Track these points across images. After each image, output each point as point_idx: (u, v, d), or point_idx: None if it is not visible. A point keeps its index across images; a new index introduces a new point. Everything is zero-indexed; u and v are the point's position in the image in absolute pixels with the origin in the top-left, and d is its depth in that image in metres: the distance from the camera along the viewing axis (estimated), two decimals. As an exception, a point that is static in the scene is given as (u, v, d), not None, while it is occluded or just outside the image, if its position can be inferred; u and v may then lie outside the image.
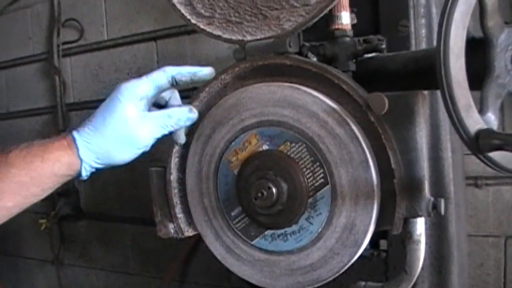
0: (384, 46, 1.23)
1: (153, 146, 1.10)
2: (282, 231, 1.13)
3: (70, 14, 3.06)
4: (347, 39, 1.19)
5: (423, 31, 1.46)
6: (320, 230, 1.09)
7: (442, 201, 1.08)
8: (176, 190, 1.24)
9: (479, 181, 2.13)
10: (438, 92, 1.02)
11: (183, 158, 1.24)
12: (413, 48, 1.43)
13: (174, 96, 1.15)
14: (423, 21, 1.46)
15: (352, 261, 1.09)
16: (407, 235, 1.08)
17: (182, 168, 1.25)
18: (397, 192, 1.03)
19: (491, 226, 2.16)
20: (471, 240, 2.12)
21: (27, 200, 1.00)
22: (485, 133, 0.89)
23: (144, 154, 1.10)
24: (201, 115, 1.19)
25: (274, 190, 1.08)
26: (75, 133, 1.03)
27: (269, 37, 1.17)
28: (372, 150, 1.05)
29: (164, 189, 1.24)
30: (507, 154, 0.90)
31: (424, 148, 1.06)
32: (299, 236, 1.11)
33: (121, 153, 1.04)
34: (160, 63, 2.79)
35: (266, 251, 1.16)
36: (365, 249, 1.34)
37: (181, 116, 1.09)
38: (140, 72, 2.85)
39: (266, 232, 1.15)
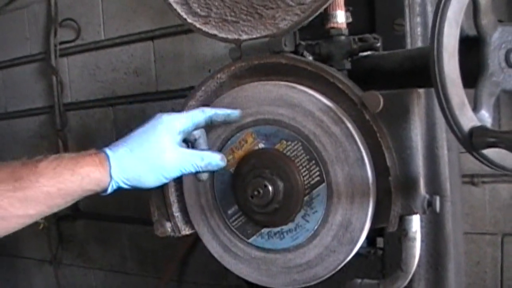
0: (379, 44, 1.23)
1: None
2: (279, 229, 1.13)
3: (67, 14, 3.06)
4: (343, 37, 1.20)
5: (419, 30, 1.47)
6: (316, 228, 1.10)
7: (438, 198, 1.08)
8: (173, 189, 1.25)
9: (475, 179, 2.13)
10: (433, 90, 1.02)
11: (180, 157, 1.25)
12: (408, 47, 1.44)
13: (203, 136, 1.17)
14: (418, 19, 1.47)
15: (348, 258, 1.10)
16: (402, 232, 1.08)
17: (178, 167, 1.25)
18: (393, 190, 1.04)
19: (487, 224, 2.16)
20: (468, 238, 2.12)
21: (49, 210, 1.01)
22: (479, 131, 0.89)
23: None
24: (198, 112, 1.19)
25: (270, 188, 1.09)
26: (108, 151, 1.05)
27: (264, 36, 1.17)
28: (367, 148, 1.06)
29: (161, 188, 1.25)
30: (501, 151, 0.90)
31: (420, 146, 1.06)
32: (296, 234, 1.12)
33: (150, 179, 1.07)
34: (158, 63, 2.79)
35: (263, 249, 1.17)
36: (362, 247, 1.35)
37: (212, 161, 1.11)
38: (137, 72, 2.86)
39: (262, 230, 1.16)
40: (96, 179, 1.02)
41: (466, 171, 2.08)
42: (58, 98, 3.15)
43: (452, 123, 0.90)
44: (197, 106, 1.22)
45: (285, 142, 1.10)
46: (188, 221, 1.27)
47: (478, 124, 0.91)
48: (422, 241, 1.13)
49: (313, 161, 1.08)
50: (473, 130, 0.90)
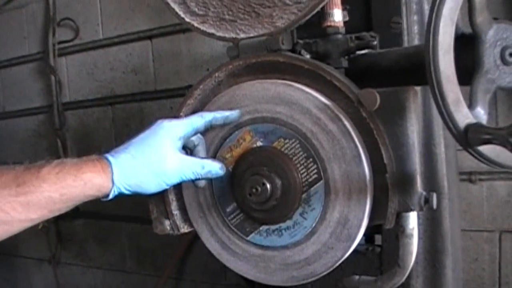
0: (376, 43, 1.24)
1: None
2: (277, 226, 1.14)
3: (65, 13, 3.07)
4: (340, 36, 1.21)
5: (416, 28, 1.47)
6: (314, 225, 1.10)
7: (434, 195, 1.09)
8: (171, 187, 1.25)
9: (473, 176, 2.14)
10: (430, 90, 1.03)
11: (178, 155, 1.25)
12: (405, 45, 1.44)
13: (202, 143, 1.19)
14: (415, 17, 1.47)
15: (346, 255, 1.10)
16: (400, 229, 1.09)
17: (177, 165, 1.25)
18: (390, 187, 1.05)
19: (485, 221, 2.17)
20: (466, 235, 2.13)
21: (50, 214, 1.02)
22: (474, 128, 0.90)
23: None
24: (196, 113, 1.20)
25: (268, 186, 1.09)
26: (110, 157, 1.06)
27: (262, 34, 1.18)
28: (364, 145, 1.06)
29: (162, 193, 1.25)
30: (496, 147, 0.91)
31: (416, 143, 1.07)
32: (294, 231, 1.12)
33: (151, 184, 1.08)
34: (156, 62, 2.80)
35: (261, 247, 1.17)
36: (360, 244, 1.35)
37: (212, 170, 1.12)
38: (135, 71, 2.86)
39: (261, 228, 1.16)
40: (98, 185, 1.03)
41: (463, 169, 2.09)
42: (56, 97, 3.16)
43: (448, 120, 0.91)
44: (196, 105, 1.23)
45: (282, 140, 1.11)
46: (187, 219, 1.28)
47: (474, 121, 0.92)
48: (419, 238, 1.13)
49: (311, 159, 1.08)
50: (469, 127, 0.91)
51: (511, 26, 0.99)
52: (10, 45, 3.36)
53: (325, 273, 1.13)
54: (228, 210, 1.20)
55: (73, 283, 3.46)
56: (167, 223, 1.27)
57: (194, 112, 1.21)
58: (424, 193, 1.08)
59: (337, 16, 1.21)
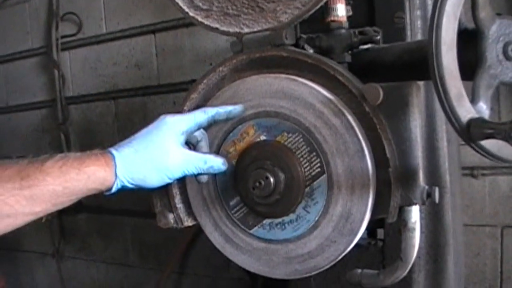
0: (379, 37, 1.24)
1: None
2: (280, 220, 1.15)
3: (69, 7, 3.07)
4: (343, 31, 1.21)
5: (419, 23, 1.48)
6: (317, 218, 1.11)
7: (437, 189, 1.10)
8: (175, 181, 1.26)
9: (475, 171, 2.14)
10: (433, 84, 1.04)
11: (182, 149, 1.26)
12: (408, 40, 1.44)
13: (204, 138, 1.19)
14: (418, 12, 1.47)
15: (349, 249, 1.11)
16: (402, 223, 1.09)
17: (181, 159, 1.26)
18: (392, 181, 1.05)
19: (487, 216, 2.17)
20: (468, 230, 2.14)
21: (54, 207, 1.03)
22: (477, 122, 0.91)
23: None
24: (199, 107, 1.21)
25: (271, 179, 1.10)
26: (113, 151, 1.07)
27: (266, 29, 1.18)
28: (367, 140, 1.07)
29: (164, 187, 1.26)
30: (498, 142, 0.92)
31: (419, 138, 1.08)
32: (297, 224, 1.13)
33: (154, 178, 1.09)
34: (159, 56, 2.80)
35: (264, 240, 1.18)
36: (362, 238, 1.36)
37: (214, 165, 1.13)
38: (138, 65, 2.86)
39: (264, 221, 1.17)
40: (102, 178, 1.04)
41: (466, 164, 2.09)
42: (59, 92, 3.16)
43: (450, 114, 0.91)
44: (199, 99, 1.24)
45: (286, 134, 1.11)
46: (190, 213, 1.28)
47: (476, 115, 0.93)
48: (421, 232, 1.14)
49: (314, 153, 1.09)
50: (471, 122, 0.91)
51: (514, 21, 1.00)
52: (13, 39, 3.37)
53: (327, 266, 1.14)
54: (231, 203, 1.20)
55: (77, 277, 3.47)
56: (171, 216, 1.28)
57: (198, 106, 1.22)
58: (426, 187, 1.09)
59: (341, 11, 1.21)
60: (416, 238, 1.10)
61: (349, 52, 1.22)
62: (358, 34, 1.21)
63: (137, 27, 2.82)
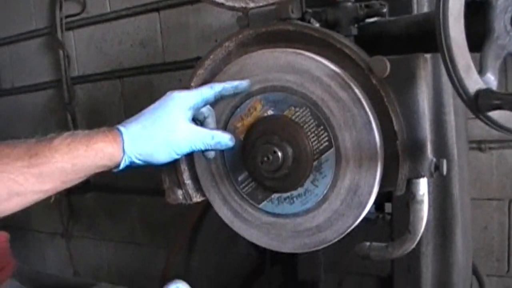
0: (385, 10, 1.23)
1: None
2: (288, 194, 1.15)
3: (72, -13, 3.06)
4: (349, 4, 1.20)
5: (425, -5, 1.46)
6: (325, 192, 1.11)
7: (445, 161, 1.10)
8: (183, 157, 1.26)
9: (482, 145, 2.14)
10: (440, 54, 1.03)
11: (190, 125, 1.26)
12: (415, 12, 1.43)
13: (212, 115, 1.19)
14: (424, -15, 1.46)
15: (357, 222, 1.11)
16: (410, 195, 1.10)
17: (188, 135, 1.26)
18: (400, 154, 1.05)
19: (494, 190, 2.18)
20: (475, 204, 2.14)
21: (63, 185, 1.04)
22: (484, 93, 0.90)
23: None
24: (206, 83, 1.20)
25: (279, 154, 1.10)
26: (121, 128, 1.07)
27: (271, 3, 1.18)
28: (375, 113, 1.06)
29: (172, 163, 1.26)
30: (506, 113, 0.92)
31: (426, 110, 1.07)
32: (305, 198, 1.13)
33: (161, 154, 1.09)
34: (164, 34, 2.79)
35: (273, 214, 1.18)
36: (370, 212, 1.36)
37: (222, 141, 1.13)
38: (143, 44, 2.86)
39: (272, 196, 1.17)
40: (110, 154, 1.04)
41: (473, 137, 2.09)
42: (65, 72, 3.17)
43: (458, 85, 0.91)
44: (206, 75, 1.23)
45: (293, 108, 1.11)
46: (199, 188, 1.29)
47: (484, 87, 0.92)
48: (429, 206, 1.14)
49: (322, 127, 1.09)
50: (479, 93, 0.91)
51: (522, -9, 0.99)
52: (17, 20, 3.36)
53: (336, 240, 1.14)
54: (240, 178, 1.21)
55: (86, 256, 3.50)
56: (179, 192, 1.28)
57: (204, 82, 1.22)
58: (434, 159, 1.09)
59: (347, -16, 1.21)
60: (424, 211, 1.10)
61: (356, 25, 1.21)
62: (364, 7, 1.20)
63: (141, 5, 2.81)
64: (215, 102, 1.17)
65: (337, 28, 1.19)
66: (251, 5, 1.20)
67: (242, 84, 1.15)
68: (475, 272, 1.76)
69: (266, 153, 1.11)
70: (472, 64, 0.92)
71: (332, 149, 1.09)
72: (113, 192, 3.15)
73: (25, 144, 1.00)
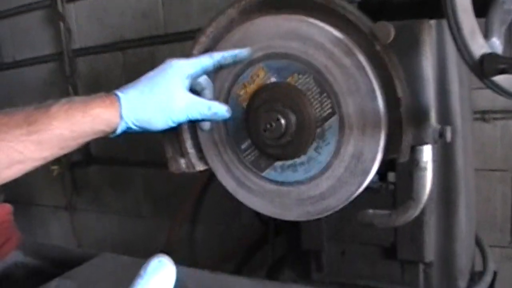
0: (390, -25, 1.22)
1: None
2: (292, 162, 1.15)
3: (72, -42, 3.04)
4: (352, -30, 1.19)
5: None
6: (328, 159, 1.11)
7: (449, 128, 1.09)
8: (186, 126, 1.26)
9: (486, 115, 2.14)
10: (445, 24, 1.02)
11: (192, 94, 1.25)
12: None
13: (209, 86, 1.18)
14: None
15: (360, 189, 1.11)
16: (414, 162, 1.09)
17: (191, 104, 1.26)
18: (404, 120, 1.04)
19: (498, 161, 2.18)
20: (479, 175, 2.14)
21: (61, 151, 1.04)
22: (490, 57, 0.89)
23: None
24: (208, 50, 1.20)
25: (282, 121, 1.10)
26: (119, 93, 1.06)
27: (274, -30, 1.16)
28: (378, 79, 1.05)
29: (169, 130, 1.25)
30: (511, 77, 0.91)
31: (431, 77, 1.07)
32: (308, 166, 1.13)
33: (158, 121, 1.08)
34: (165, 5, 2.77)
35: (276, 182, 1.18)
36: (373, 182, 1.36)
37: (218, 111, 1.12)
38: (145, 15, 2.84)
39: (275, 164, 1.17)
40: (107, 119, 1.04)
41: (477, 108, 2.09)
42: (66, 44, 3.16)
43: (463, 50, 0.90)
44: (208, 43, 1.22)
45: (296, 75, 1.10)
46: (202, 157, 1.29)
47: (489, 51, 0.91)
48: (433, 175, 1.14)
49: (325, 94, 1.08)
50: (484, 57, 0.90)
51: (529, -46, 0.98)
52: (18, -7, 3.34)
53: (339, 207, 1.14)
54: (243, 147, 1.20)
55: (90, 229, 3.52)
56: (182, 161, 1.28)
57: (207, 50, 1.21)
58: (438, 126, 1.08)
59: (350, -52, 1.19)
60: (427, 178, 1.10)
61: (359, -9, 1.20)
62: (368, -28, 1.19)
63: (143, -25, 2.79)
64: (215, 71, 1.16)
65: (341, -6, 1.18)
66: (254, -29, 1.18)
67: (242, 52, 1.14)
68: (478, 242, 1.77)
69: (269, 121, 1.10)
70: (477, 29, 0.91)
71: (336, 116, 1.08)
72: (116, 164, 3.17)
73: (23, 111, 0.99)
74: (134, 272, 1.29)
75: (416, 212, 1.13)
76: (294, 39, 1.10)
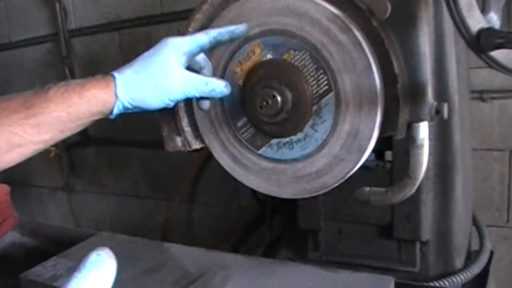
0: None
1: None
2: (288, 139, 1.14)
3: None
4: None
5: None
6: (325, 137, 1.11)
7: (446, 105, 1.09)
8: (182, 104, 1.26)
9: (484, 94, 2.13)
10: (442, 0, 1.01)
11: (187, 72, 1.25)
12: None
13: (208, 65, 1.18)
14: None
15: (357, 167, 1.11)
16: (410, 140, 1.09)
17: (187, 82, 1.25)
18: (401, 97, 1.04)
19: (496, 140, 2.17)
20: (476, 154, 2.14)
21: (62, 134, 1.05)
22: (487, 32, 0.89)
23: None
24: (204, 28, 1.19)
25: (278, 98, 1.09)
26: (115, 73, 1.07)
27: None
28: (375, 56, 1.05)
29: (166, 110, 1.25)
30: (509, 53, 0.90)
31: (427, 53, 1.06)
32: (305, 143, 1.13)
33: (153, 99, 1.08)
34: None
35: (273, 160, 1.18)
36: (370, 160, 1.36)
37: (216, 87, 1.11)
38: (141, -6, 2.83)
39: (272, 141, 1.17)
40: (103, 100, 1.04)
41: (475, 87, 2.08)
42: (62, 25, 3.14)
43: (460, 24, 0.89)
44: (204, 20, 1.22)
45: (292, 52, 1.10)
46: (198, 135, 1.28)
47: (487, 25, 0.91)
48: (430, 153, 1.13)
49: (321, 70, 1.08)
50: (481, 31, 0.89)
51: None
52: (13, -28, 3.32)
53: (336, 185, 1.14)
54: (239, 124, 1.20)
55: (88, 210, 3.53)
56: (178, 139, 1.28)
57: (202, 27, 1.20)
58: (435, 103, 1.08)
59: None
60: (424, 155, 1.10)
61: (355, -33, 1.19)
62: None
63: (138, -46, 2.77)
64: (211, 48, 1.15)
65: (337, -30, 1.17)
66: None
67: (239, 28, 1.13)
68: (475, 222, 1.76)
69: (265, 98, 1.10)
70: (474, 3, 0.90)
71: (332, 93, 1.08)
72: (113, 145, 3.17)
73: (23, 96, 1.01)
74: (131, 251, 1.29)
75: (413, 189, 1.12)
76: (290, 16, 1.09)
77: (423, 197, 1.41)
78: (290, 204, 1.54)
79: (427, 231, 1.43)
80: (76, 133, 1.09)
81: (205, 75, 1.16)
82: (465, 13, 0.89)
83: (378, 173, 1.44)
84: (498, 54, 0.91)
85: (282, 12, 1.10)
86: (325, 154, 1.12)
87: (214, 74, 1.19)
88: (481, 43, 0.89)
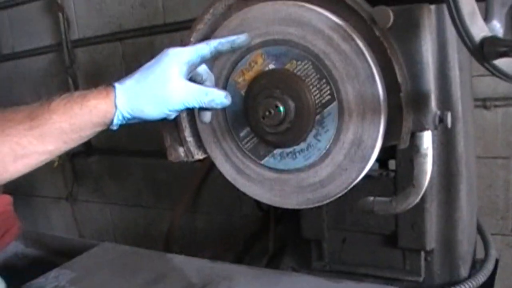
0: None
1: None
2: (291, 149, 1.14)
3: None
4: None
5: None
6: (328, 146, 1.10)
7: (449, 114, 1.08)
8: (184, 114, 1.25)
9: (488, 102, 2.13)
10: (445, 9, 1.01)
11: (190, 82, 1.24)
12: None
13: (210, 78, 1.18)
14: None
15: (360, 176, 1.11)
16: (414, 149, 1.09)
17: (189, 92, 1.25)
18: (404, 106, 1.04)
19: (499, 148, 2.17)
20: (480, 162, 2.14)
21: (66, 145, 1.05)
22: (490, 40, 0.88)
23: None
24: (206, 38, 1.19)
25: (281, 108, 1.09)
26: (116, 84, 1.07)
27: (272, -45, 1.15)
28: (378, 65, 1.05)
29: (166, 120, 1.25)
30: (513, 61, 0.90)
31: (430, 61, 1.06)
32: (308, 153, 1.13)
33: (152, 109, 1.07)
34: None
35: (276, 170, 1.18)
36: (374, 170, 1.35)
37: (216, 98, 1.10)
38: (144, 4, 2.83)
39: (275, 151, 1.16)
40: (103, 110, 1.04)
41: (478, 95, 2.08)
42: (65, 35, 3.15)
43: (463, 33, 0.89)
44: (206, 30, 1.22)
45: (295, 61, 1.09)
46: (200, 146, 1.28)
47: (490, 34, 0.90)
48: (434, 162, 1.13)
49: (324, 80, 1.07)
50: (484, 40, 0.89)
51: None
52: (16, -17, 3.33)
53: (339, 194, 1.14)
54: (241, 134, 1.20)
55: (91, 219, 3.53)
56: (181, 150, 1.28)
57: (204, 37, 1.20)
58: (438, 112, 1.07)
59: None
60: (428, 164, 1.10)
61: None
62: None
63: (141, -36, 2.78)
64: (213, 58, 1.15)
65: (339, -21, 1.17)
66: (251, -43, 1.17)
67: (240, 38, 1.13)
68: (479, 230, 1.76)
69: (268, 108, 1.10)
70: (477, 11, 0.90)
71: (335, 103, 1.07)
72: (116, 155, 3.17)
73: (29, 107, 1.02)
74: (133, 261, 1.29)
75: (417, 199, 1.12)
76: (293, 25, 1.09)
77: (428, 205, 1.41)
78: (294, 214, 1.54)
79: (431, 240, 1.42)
80: (82, 142, 1.09)
81: (207, 86, 1.16)
82: (468, 21, 0.88)
83: (381, 182, 1.44)
84: (501, 63, 0.91)
85: (284, 22, 1.10)
86: (329, 164, 1.11)
87: (216, 84, 1.19)
88: (484, 52, 0.88)
